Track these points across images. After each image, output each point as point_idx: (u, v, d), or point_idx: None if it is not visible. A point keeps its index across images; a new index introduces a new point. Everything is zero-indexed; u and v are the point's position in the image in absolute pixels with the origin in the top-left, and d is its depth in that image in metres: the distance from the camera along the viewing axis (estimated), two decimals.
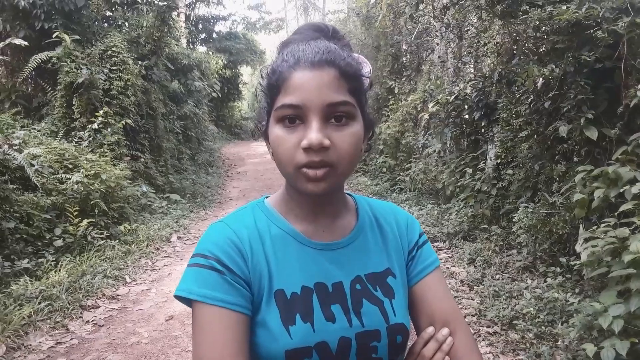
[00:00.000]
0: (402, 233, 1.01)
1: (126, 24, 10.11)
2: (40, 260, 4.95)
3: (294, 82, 0.82)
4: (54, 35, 7.77)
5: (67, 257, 5.17)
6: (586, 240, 3.35)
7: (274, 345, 0.83)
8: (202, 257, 0.85)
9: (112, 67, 8.41)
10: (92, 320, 4.23)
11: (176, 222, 7.76)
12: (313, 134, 0.80)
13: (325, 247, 0.92)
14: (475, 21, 7.73)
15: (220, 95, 18.63)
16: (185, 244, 6.84)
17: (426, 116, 8.26)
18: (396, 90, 12.16)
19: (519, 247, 5.03)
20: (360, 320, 0.88)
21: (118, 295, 4.84)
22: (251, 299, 0.85)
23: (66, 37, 7.75)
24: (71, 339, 3.87)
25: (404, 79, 12.55)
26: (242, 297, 0.84)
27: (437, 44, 10.02)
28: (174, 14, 12.19)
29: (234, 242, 0.87)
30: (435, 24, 9.77)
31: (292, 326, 0.84)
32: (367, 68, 0.93)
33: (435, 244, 6.18)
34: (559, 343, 3.35)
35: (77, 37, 8.14)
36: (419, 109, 10.04)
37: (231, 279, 0.83)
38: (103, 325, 4.16)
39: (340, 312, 0.87)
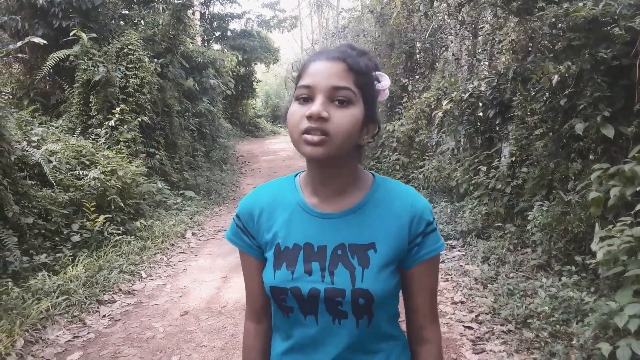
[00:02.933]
0: (411, 219, 1.11)
1: (142, 22, 10.21)
2: (58, 255, 5.03)
3: (310, 69, 1.05)
4: (71, 34, 7.86)
5: (84, 252, 5.25)
6: (602, 239, 3.33)
7: (265, 281, 1.15)
8: (235, 215, 1.23)
9: (129, 65, 8.49)
10: (109, 315, 4.30)
11: (191, 218, 7.83)
12: (315, 106, 1.00)
13: (323, 216, 1.13)
14: (490, 18, 7.68)
15: (234, 93, 18.69)
16: (199, 240, 6.90)
17: (440, 114, 8.23)
18: (410, 88, 12.12)
19: (533, 245, 5.00)
20: (332, 279, 1.09)
21: (134, 290, 4.90)
22: (257, 246, 1.19)
23: (83, 35, 7.84)
24: (88, 333, 3.94)
25: (417, 77, 12.49)
26: (248, 244, 1.20)
27: (452, 42, 9.97)
28: (189, 12, 12.26)
29: (250, 206, 1.21)
30: (449, 21, 9.72)
31: (278, 270, 1.12)
32: (385, 81, 1.12)
33: (449, 241, 6.16)
34: (574, 342, 3.34)
35: (94, 35, 8.23)
36: (432, 107, 10.00)
37: (242, 231, 1.21)
38: (119, 319, 4.23)
39: (318, 268, 1.10)
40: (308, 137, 1.00)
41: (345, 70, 1.02)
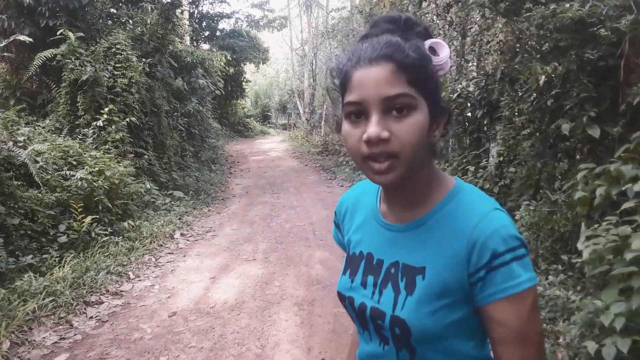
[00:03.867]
0: (471, 247, 0.89)
1: (130, 21, 10.14)
2: (44, 256, 4.97)
3: (354, 80, 0.89)
4: (58, 33, 7.79)
5: (71, 253, 5.20)
6: (588, 238, 3.35)
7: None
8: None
9: (117, 65, 8.43)
10: (96, 316, 4.26)
11: (179, 219, 7.79)
12: (371, 127, 0.86)
13: (388, 227, 1.04)
14: (478, 19, 7.72)
15: (223, 93, 18.66)
16: (188, 240, 6.87)
17: None
18: None
19: None
20: (379, 297, 0.99)
21: (121, 291, 4.87)
22: (343, 242, 1.20)
23: (70, 34, 7.78)
24: (75, 335, 3.90)
25: None
26: (341, 240, 1.22)
27: None
28: (178, 11, 12.22)
29: (340, 203, 1.22)
30: (438, 22, 9.76)
31: (343, 276, 1.09)
32: (443, 52, 0.94)
33: None
34: (561, 340, 3.36)
35: (81, 34, 8.16)
36: None
37: (337, 227, 1.24)
38: (107, 321, 4.19)
39: (372, 283, 1.02)
40: (375, 165, 0.87)
41: (395, 72, 0.86)
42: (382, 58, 0.87)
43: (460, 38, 9.24)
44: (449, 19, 8.47)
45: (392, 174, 0.87)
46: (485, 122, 6.81)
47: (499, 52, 6.27)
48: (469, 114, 7.12)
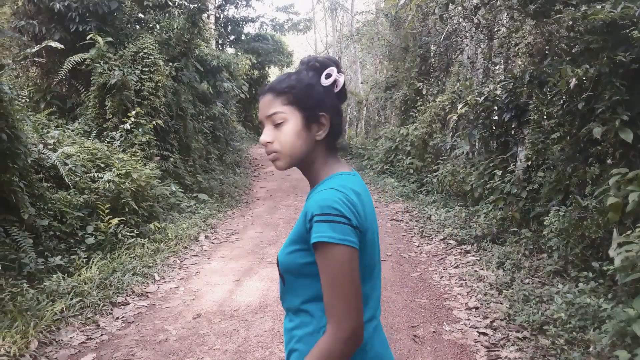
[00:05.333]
0: (306, 210, 1.27)
1: (157, 26, 10.28)
2: (72, 257, 5.06)
3: (259, 105, 1.37)
4: (87, 38, 7.95)
5: (99, 255, 5.28)
6: (620, 244, 3.27)
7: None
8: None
9: (144, 69, 8.55)
10: (122, 317, 4.31)
11: (204, 221, 7.85)
12: (262, 136, 1.36)
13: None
14: (506, 21, 7.61)
15: (248, 96, 18.76)
16: (212, 243, 6.92)
17: (455, 117, 8.18)
18: (424, 92, 12.08)
19: (549, 250, 4.93)
20: None
21: (147, 292, 4.92)
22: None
23: (100, 39, 7.92)
24: (101, 335, 3.95)
25: (432, 80, 12.45)
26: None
27: (467, 45, 9.91)
28: (204, 16, 12.34)
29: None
30: (465, 24, 9.67)
31: None
32: (332, 76, 1.35)
33: (463, 246, 6.11)
34: (591, 349, 3.28)
35: (110, 39, 8.31)
36: (447, 110, 9.96)
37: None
38: (132, 322, 4.24)
39: None
40: (270, 157, 1.36)
41: (271, 99, 1.33)
42: (267, 90, 1.35)
43: (487, 40, 9.14)
44: (476, 21, 8.37)
45: (278, 162, 1.35)
46: (512, 126, 6.70)
47: (527, 55, 6.17)
48: (496, 118, 7.01)
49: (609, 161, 4.50)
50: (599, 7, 3.94)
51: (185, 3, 10.25)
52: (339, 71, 1.36)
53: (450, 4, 7.89)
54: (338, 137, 1.40)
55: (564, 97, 4.85)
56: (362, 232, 1.24)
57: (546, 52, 5.64)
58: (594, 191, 4.28)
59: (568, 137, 4.92)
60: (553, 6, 4.68)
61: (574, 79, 4.28)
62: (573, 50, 4.81)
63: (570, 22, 4.38)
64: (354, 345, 1.19)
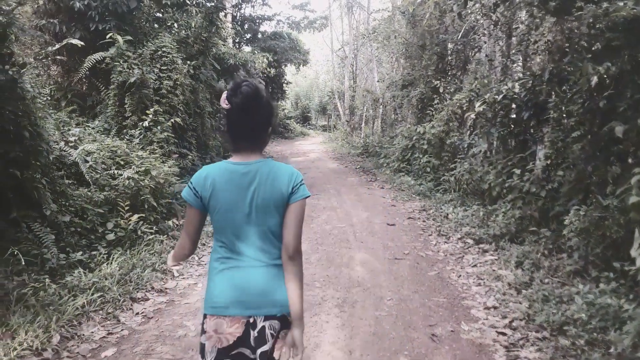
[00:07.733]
0: None
1: (175, 25, 10.38)
2: (93, 252, 5.13)
3: None
4: (107, 36, 8.05)
5: (119, 251, 5.34)
6: None
7: None
8: None
9: (162, 67, 8.64)
10: (142, 312, 4.36)
11: None
12: None
13: None
14: (525, 18, 7.54)
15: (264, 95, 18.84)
16: None
17: (472, 116, 8.13)
18: (441, 90, 12.00)
19: (569, 250, 4.88)
20: None
21: (166, 288, 4.97)
22: None
23: (119, 38, 8.02)
24: (122, 330, 4.01)
25: (449, 78, 12.37)
26: None
27: (485, 42, 9.83)
28: (221, 14, 12.41)
29: None
30: (483, 21, 9.59)
31: None
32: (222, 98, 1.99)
33: (481, 245, 6.07)
34: (612, 350, 3.24)
35: (129, 37, 8.41)
36: (464, 109, 9.88)
37: None
38: (152, 317, 4.29)
39: None
40: None
41: None
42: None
43: (505, 38, 9.05)
44: (494, 18, 8.30)
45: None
46: (531, 124, 6.63)
47: (547, 52, 6.10)
48: (515, 116, 6.94)
49: (630, 160, 4.43)
50: (620, 4, 3.89)
51: (203, 2, 10.36)
52: (233, 92, 1.93)
53: (468, 1, 7.84)
54: (233, 139, 2.00)
55: (584, 95, 4.79)
56: (202, 197, 1.93)
57: (566, 49, 5.58)
58: (615, 190, 4.23)
59: (589, 136, 4.86)
60: (574, 3, 4.63)
61: (595, 77, 4.23)
62: (594, 48, 4.75)
63: (591, 20, 4.33)
64: None
